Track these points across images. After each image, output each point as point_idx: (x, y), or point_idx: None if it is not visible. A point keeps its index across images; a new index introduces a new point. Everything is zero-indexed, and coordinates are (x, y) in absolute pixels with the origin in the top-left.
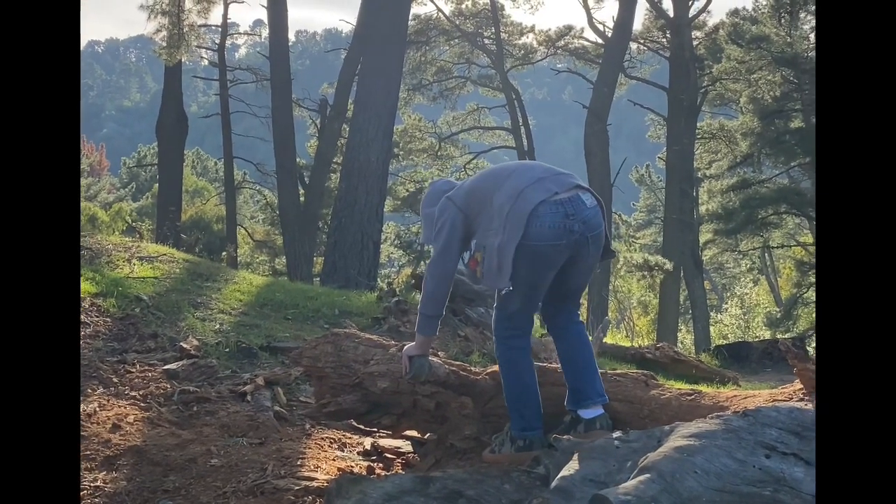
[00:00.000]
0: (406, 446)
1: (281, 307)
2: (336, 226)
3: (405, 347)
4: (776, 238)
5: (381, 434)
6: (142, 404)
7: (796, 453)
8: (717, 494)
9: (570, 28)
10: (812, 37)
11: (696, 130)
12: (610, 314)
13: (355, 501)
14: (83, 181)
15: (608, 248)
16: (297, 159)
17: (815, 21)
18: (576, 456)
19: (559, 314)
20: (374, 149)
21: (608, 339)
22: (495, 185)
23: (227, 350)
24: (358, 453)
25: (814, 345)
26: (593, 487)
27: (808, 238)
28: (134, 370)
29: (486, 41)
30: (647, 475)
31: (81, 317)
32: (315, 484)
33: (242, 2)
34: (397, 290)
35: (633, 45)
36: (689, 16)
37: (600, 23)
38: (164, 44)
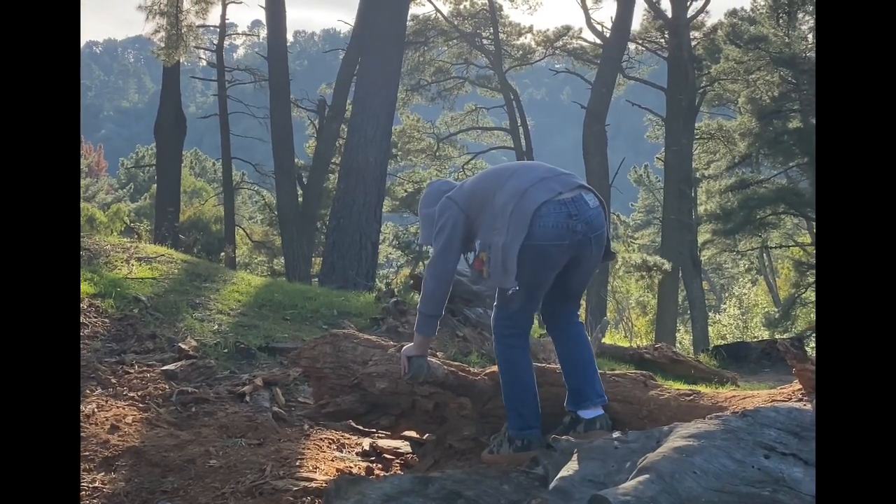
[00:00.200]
0: (405, 447)
1: (279, 308)
2: (334, 226)
3: (404, 348)
4: (774, 238)
5: (380, 434)
6: (140, 405)
7: (795, 453)
8: (716, 495)
9: (568, 28)
10: (810, 37)
11: (695, 131)
12: (608, 314)
13: (354, 502)
14: (81, 182)
15: (608, 250)
16: (296, 160)
17: (813, 21)
18: (575, 456)
19: (559, 315)
20: (373, 149)
21: (607, 340)
22: (497, 184)
23: (226, 351)
24: (356, 454)
25: (812, 345)
26: (592, 488)
27: (807, 238)
28: (132, 371)
29: (485, 41)
30: (646, 475)
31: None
32: (314, 484)
33: (240, 2)
34: (396, 290)
35: (632, 46)
36: (688, 16)
37: (598, 23)
38: (163, 44)
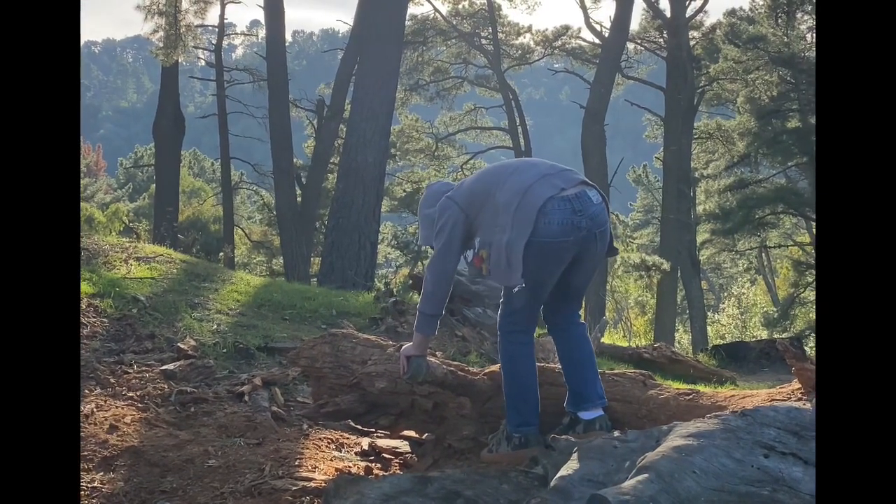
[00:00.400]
0: (404, 446)
1: (278, 308)
2: (333, 226)
3: (403, 347)
4: (773, 238)
5: (379, 434)
6: (139, 405)
7: (795, 453)
8: (715, 494)
9: (567, 28)
10: (809, 36)
11: (694, 130)
12: (607, 314)
13: (353, 502)
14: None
15: (611, 245)
16: (294, 160)
17: (812, 21)
18: (574, 456)
19: (560, 314)
20: (371, 149)
21: (606, 339)
22: (497, 182)
23: (225, 350)
24: (356, 453)
25: (811, 344)
26: (592, 487)
27: (806, 238)
28: (131, 371)
29: (484, 41)
30: (646, 475)
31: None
32: (313, 484)
33: (239, 2)
34: (394, 290)
35: (631, 46)
36: (687, 16)
37: (597, 23)
38: (161, 44)
